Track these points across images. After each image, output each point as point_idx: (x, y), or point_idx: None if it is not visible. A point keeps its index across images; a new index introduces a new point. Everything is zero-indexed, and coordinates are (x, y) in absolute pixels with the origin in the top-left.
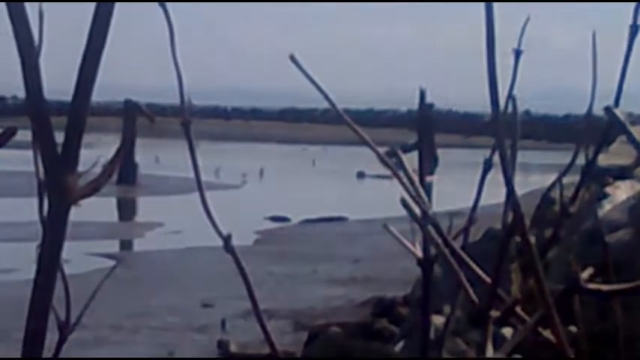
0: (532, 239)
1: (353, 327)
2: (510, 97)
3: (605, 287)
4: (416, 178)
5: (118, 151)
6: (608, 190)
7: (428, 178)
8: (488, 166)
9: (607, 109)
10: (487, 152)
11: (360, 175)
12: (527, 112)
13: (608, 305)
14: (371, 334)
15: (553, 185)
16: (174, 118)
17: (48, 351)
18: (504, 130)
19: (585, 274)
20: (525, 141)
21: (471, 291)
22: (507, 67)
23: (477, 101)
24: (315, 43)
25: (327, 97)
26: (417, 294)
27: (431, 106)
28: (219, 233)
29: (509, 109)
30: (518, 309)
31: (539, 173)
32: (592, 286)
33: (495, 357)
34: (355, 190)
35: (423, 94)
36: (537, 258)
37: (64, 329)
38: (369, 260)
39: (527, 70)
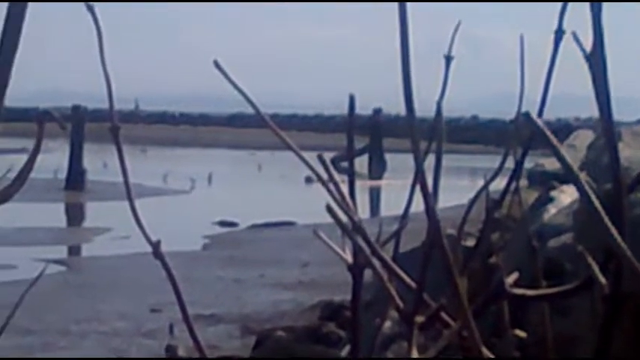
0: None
1: (300, 331)
2: (438, 102)
3: (530, 292)
4: (344, 185)
5: (31, 158)
6: (554, 194)
7: (374, 183)
8: (420, 172)
9: (527, 116)
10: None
11: (308, 180)
12: (474, 117)
13: (553, 309)
14: (318, 338)
15: (481, 190)
16: (123, 123)
17: None
18: (419, 135)
19: (510, 279)
20: (473, 145)
21: (396, 297)
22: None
23: (426, 105)
24: (259, 47)
25: (250, 102)
26: (365, 298)
27: (379, 111)
28: (148, 239)
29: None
30: (443, 314)
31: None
32: (517, 291)
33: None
34: (303, 195)
35: (352, 100)
36: (454, 266)
37: None
38: (317, 265)
39: (477, 73)
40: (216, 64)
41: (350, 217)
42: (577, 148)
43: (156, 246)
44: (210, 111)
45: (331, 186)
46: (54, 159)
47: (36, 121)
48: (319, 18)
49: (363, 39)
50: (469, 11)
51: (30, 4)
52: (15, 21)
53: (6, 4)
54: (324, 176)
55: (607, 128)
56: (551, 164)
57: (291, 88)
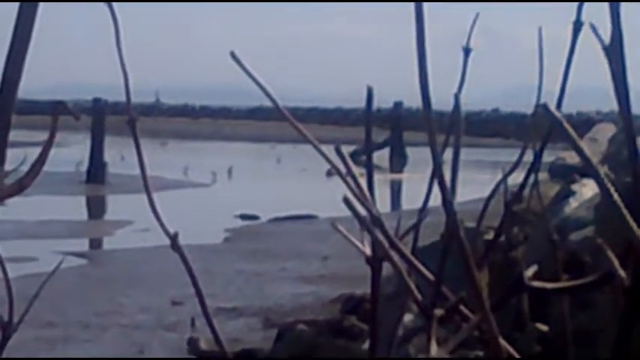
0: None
1: (322, 324)
2: (456, 95)
3: (549, 285)
4: (362, 178)
5: (44, 150)
6: (575, 187)
7: (395, 176)
8: (437, 165)
9: (544, 108)
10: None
11: (330, 173)
12: (495, 110)
13: (575, 303)
14: (340, 331)
15: (499, 184)
16: (143, 117)
17: None
18: (435, 128)
19: (529, 273)
20: (494, 139)
21: (415, 290)
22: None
23: (446, 98)
24: (279, 41)
25: (267, 94)
26: (386, 291)
27: (400, 104)
28: (166, 232)
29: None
30: (462, 307)
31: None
32: (536, 284)
33: (441, 357)
34: (325, 188)
35: (370, 93)
36: (471, 260)
37: (7, 329)
38: (338, 258)
39: (499, 66)
40: (233, 56)
41: (368, 210)
42: (598, 141)
43: (174, 238)
44: (232, 104)
45: (349, 179)
46: (76, 152)
47: (50, 113)
48: (343, 14)
49: (386, 34)
50: (492, 5)
51: None
52: (27, 16)
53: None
54: (344, 169)
55: (626, 120)
56: (572, 157)
57: (311, 82)
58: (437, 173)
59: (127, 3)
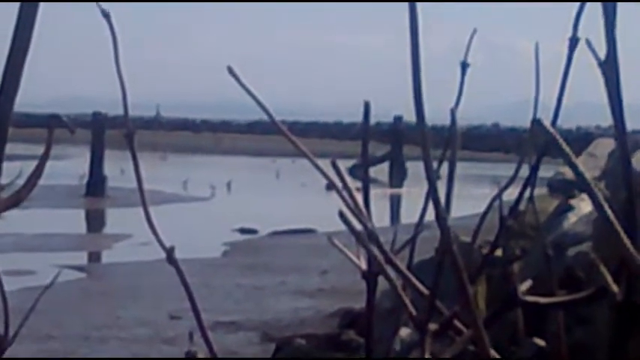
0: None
1: (320, 338)
2: (452, 110)
3: (542, 300)
4: (358, 193)
5: (40, 163)
6: (574, 202)
7: (395, 191)
8: (431, 181)
9: (539, 124)
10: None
11: (329, 187)
12: (495, 125)
13: (574, 319)
14: (338, 345)
15: (495, 199)
16: (143, 130)
17: None
18: (433, 142)
19: (524, 287)
20: (494, 153)
21: (409, 304)
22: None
23: (446, 112)
24: (283, 52)
25: (264, 109)
26: (384, 305)
27: (400, 118)
28: (162, 245)
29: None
30: (456, 321)
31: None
32: (530, 298)
33: None
34: (324, 202)
35: (367, 107)
36: (464, 275)
37: (2, 343)
38: (337, 272)
39: (499, 81)
40: (230, 70)
41: (363, 225)
42: (597, 156)
43: (169, 252)
44: (232, 118)
45: (345, 193)
46: (77, 165)
47: (46, 126)
48: (346, 25)
49: (388, 47)
50: (495, 19)
51: (51, 10)
52: (26, 22)
53: (17, 6)
54: (340, 184)
55: (620, 134)
56: (571, 172)
57: (314, 94)
58: (430, 189)
59: (131, 12)
